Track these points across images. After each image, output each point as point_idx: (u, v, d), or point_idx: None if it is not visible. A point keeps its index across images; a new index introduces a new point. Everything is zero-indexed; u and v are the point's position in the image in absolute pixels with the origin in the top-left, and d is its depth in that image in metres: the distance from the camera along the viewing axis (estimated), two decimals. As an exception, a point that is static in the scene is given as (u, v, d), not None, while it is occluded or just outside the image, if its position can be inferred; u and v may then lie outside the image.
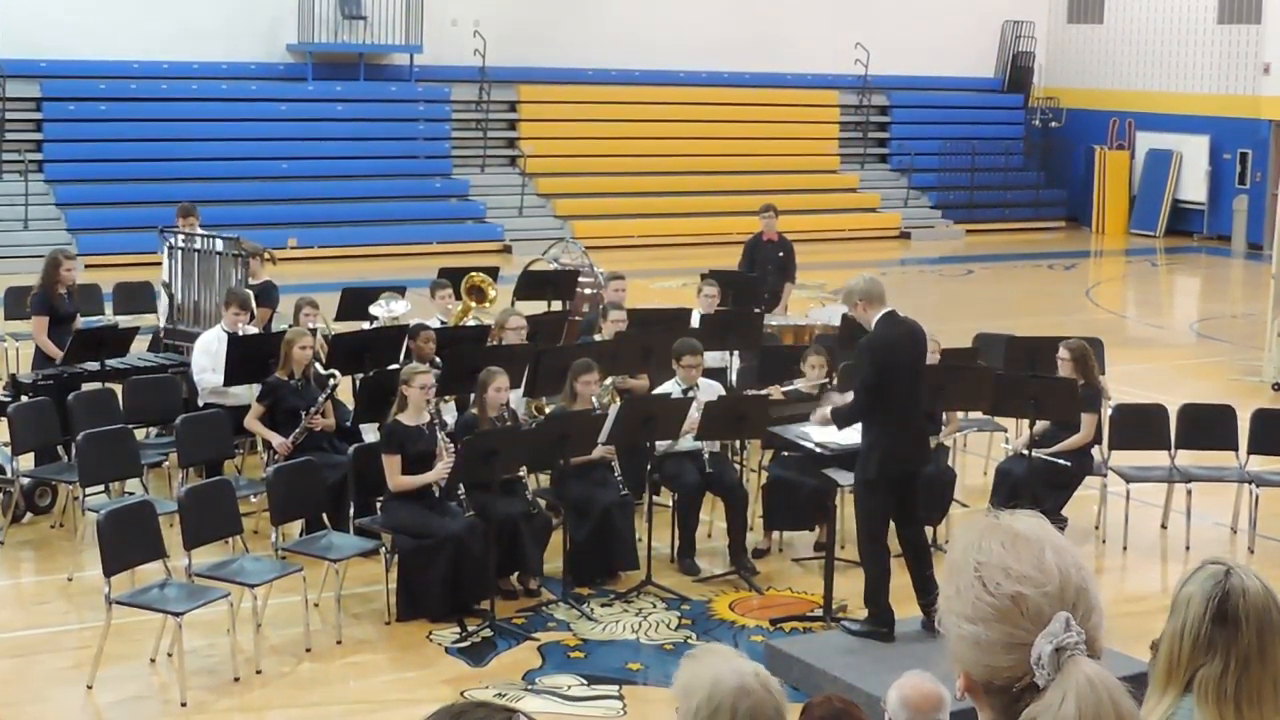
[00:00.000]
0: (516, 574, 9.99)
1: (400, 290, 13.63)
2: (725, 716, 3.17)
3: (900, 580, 9.07)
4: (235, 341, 11.54)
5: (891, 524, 9.14)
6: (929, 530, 10.25)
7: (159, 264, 13.73)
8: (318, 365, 11.22)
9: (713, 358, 12.13)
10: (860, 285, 9.02)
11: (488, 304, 13.54)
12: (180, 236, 13.51)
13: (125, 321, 13.86)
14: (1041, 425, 11.18)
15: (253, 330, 12.08)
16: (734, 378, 12.60)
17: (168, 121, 25.12)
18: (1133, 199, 31.60)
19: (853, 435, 9.59)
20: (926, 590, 8.92)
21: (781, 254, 15.93)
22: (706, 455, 10.69)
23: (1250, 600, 3.03)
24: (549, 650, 9.14)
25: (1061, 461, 11.11)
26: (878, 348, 8.94)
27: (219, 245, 13.19)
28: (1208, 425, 11.76)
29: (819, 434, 9.64)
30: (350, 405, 11.63)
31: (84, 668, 8.54)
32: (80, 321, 12.70)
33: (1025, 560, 2.32)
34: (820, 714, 5.01)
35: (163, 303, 13.47)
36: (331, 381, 11.10)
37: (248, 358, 11.40)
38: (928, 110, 31.94)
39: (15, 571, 10.68)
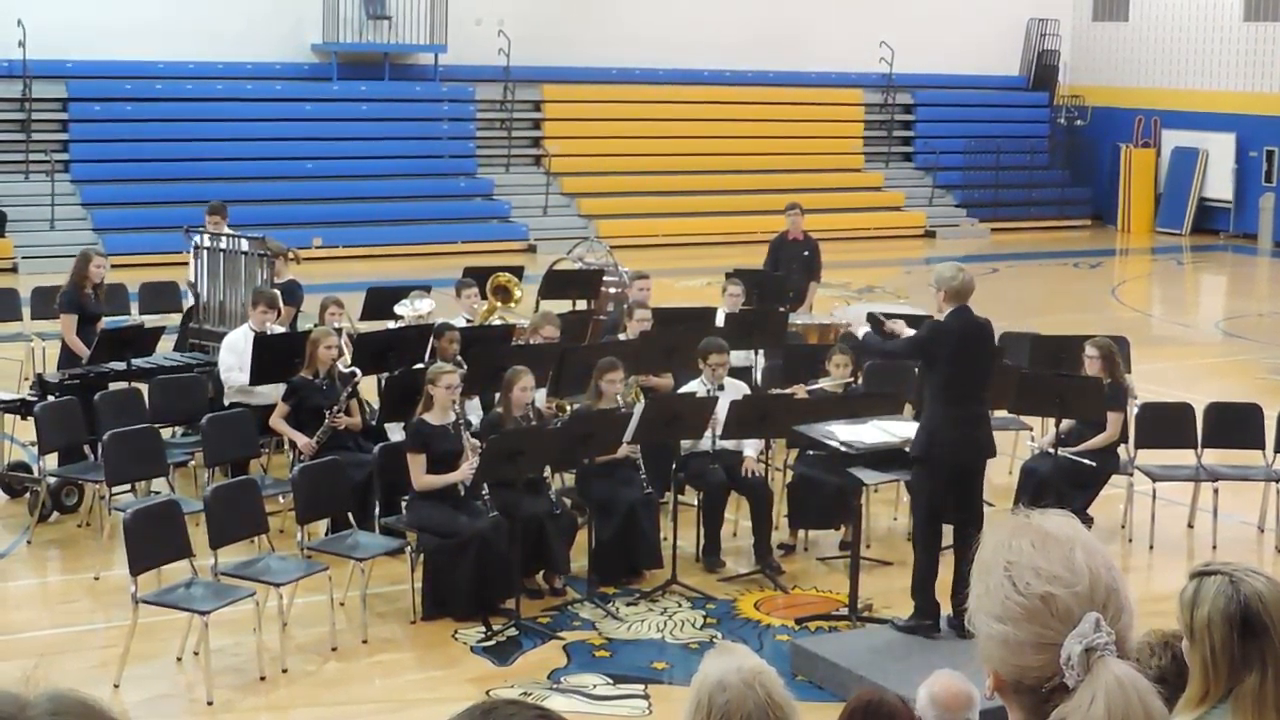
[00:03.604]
0: (541, 573, 10.00)
1: (425, 289, 13.64)
2: (703, 711, 3.17)
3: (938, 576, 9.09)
4: (261, 341, 11.56)
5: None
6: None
7: (185, 263, 13.75)
8: (339, 364, 11.23)
9: (738, 357, 12.10)
10: (953, 276, 8.88)
11: (513, 304, 13.55)
12: (206, 236, 13.55)
13: (151, 321, 13.89)
14: (1067, 424, 11.14)
15: (278, 329, 12.10)
16: (759, 377, 12.58)
17: (193, 122, 25.17)
18: (1158, 197, 31.47)
19: (879, 435, 9.56)
20: (964, 588, 8.90)
21: (807, 252, 15.89)
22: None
23: (1268, 601, 2.99)
24: (574, 649, 9.14)
25: (1087, 461, 11.07)
26: (945, 329, 8.92)
27: (244, 245, 13.24)
28: (1234, 424, 11.71)
29: (844, 433, 9.61)
30: (375, 404, 11.65)
31: (110, 667, 8.55)
32: (105, 321, 12.74)
33: (1055, 560, 2.31)
34: (854, 705, 5.00)
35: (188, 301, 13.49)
36: (353, 379, 11.11)
37: (273, 357, 11.41)
38: (952, 109, 31.87)
39: (42, 571, 10.72)
